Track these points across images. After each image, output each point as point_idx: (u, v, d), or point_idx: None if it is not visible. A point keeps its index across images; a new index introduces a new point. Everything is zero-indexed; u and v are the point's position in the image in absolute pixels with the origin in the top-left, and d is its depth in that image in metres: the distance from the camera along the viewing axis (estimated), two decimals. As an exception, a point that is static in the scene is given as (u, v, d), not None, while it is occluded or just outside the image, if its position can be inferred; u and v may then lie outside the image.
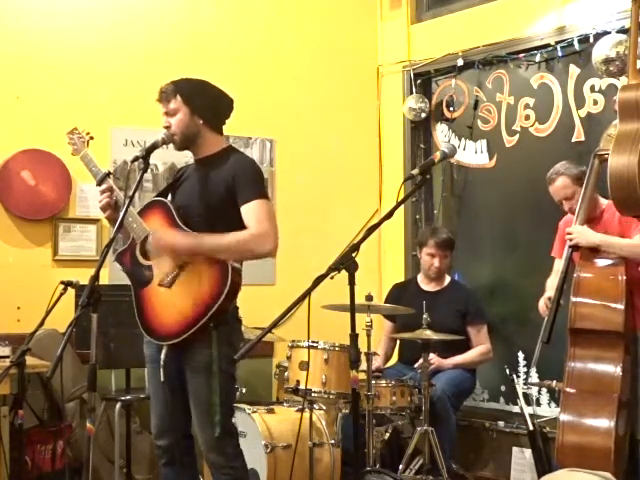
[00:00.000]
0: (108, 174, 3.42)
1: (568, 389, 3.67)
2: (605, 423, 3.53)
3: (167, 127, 3.32)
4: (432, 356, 4.51)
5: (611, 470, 3.33)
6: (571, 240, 3.91)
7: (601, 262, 3.81)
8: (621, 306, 3.64)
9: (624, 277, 3.70)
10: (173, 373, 3.26)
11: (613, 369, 3.62)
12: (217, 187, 3.28)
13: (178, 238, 3.22)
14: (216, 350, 3.16)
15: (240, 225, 3.21)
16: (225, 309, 3.18)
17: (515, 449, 4.87)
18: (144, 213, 3.39)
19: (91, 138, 3.61)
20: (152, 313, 3.27)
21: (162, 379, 3.24)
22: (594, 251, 3.85)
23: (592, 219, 3.99)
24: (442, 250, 4.90)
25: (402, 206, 3.14)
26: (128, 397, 4.54)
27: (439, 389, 4.48)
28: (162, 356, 3.23)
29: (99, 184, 3.40)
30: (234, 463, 3.27)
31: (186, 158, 3.50)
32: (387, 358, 5.08)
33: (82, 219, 4.91)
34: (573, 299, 3.73)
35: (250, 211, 3.21)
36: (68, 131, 3.63)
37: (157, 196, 3.53)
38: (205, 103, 3.34)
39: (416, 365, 4.54)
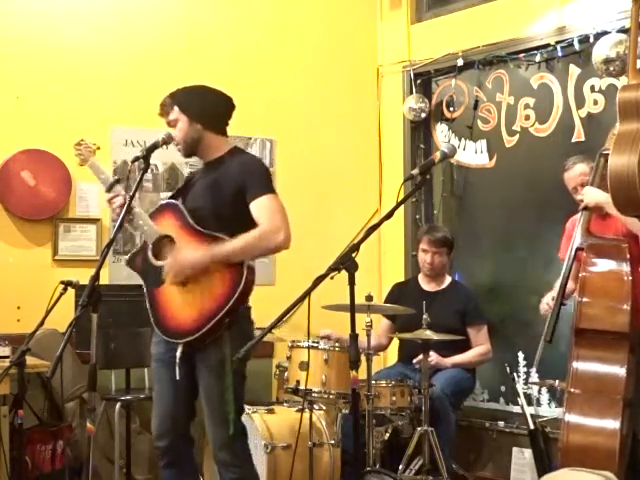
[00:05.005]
0: (117, 181, 3.44)
1: (572, 389, 3.64)
2: (610, 424, 3.50)
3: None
4: (431, 354, 4.50)
5: (615, 470, 3.32)
6: (582, 201, 3.90)
7: (607, 262, 3.77)
8: (627, 307, 3.60)
9: (630, 277, 3.66)
10: (182, 373, 3.27)
11: (618, 370, 3.59)
12: (226, 188, 3.30)
13: (191, 257, 3.22)
14: (229, 349, 3.16)
15: (250, 223, 3.23)
16: (240, 305, 3.20)
17: (515, 449, 4.86)
18: (156, 216, 3.41)
19: (98, 148, 3.64)
20: (166, 312, 3.28)
21: (177, 377, 3.25)
22: (600, 249, 3.82)
23: (604, 215, 3.97)
24: (435, 247, 4.90)
25: (402, 206, 3.14)
26: (128, 397, 4.54)
27: (438, 388, 4.48)
28: (177, 354, 3.24)
29: (108, 191, 3.43)
30: (243, 463, 3.30)
31: (186, 159, 3.51)
32: (380, 347, 5.04)
33: (82, 219, 4.90)
34: (578, 299, 3.69)
35: (260, 207, 3.24)
36: (75, 143, 3.64)
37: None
38: (202, 107, 3.38)
39: (414, 360, 4.55)
